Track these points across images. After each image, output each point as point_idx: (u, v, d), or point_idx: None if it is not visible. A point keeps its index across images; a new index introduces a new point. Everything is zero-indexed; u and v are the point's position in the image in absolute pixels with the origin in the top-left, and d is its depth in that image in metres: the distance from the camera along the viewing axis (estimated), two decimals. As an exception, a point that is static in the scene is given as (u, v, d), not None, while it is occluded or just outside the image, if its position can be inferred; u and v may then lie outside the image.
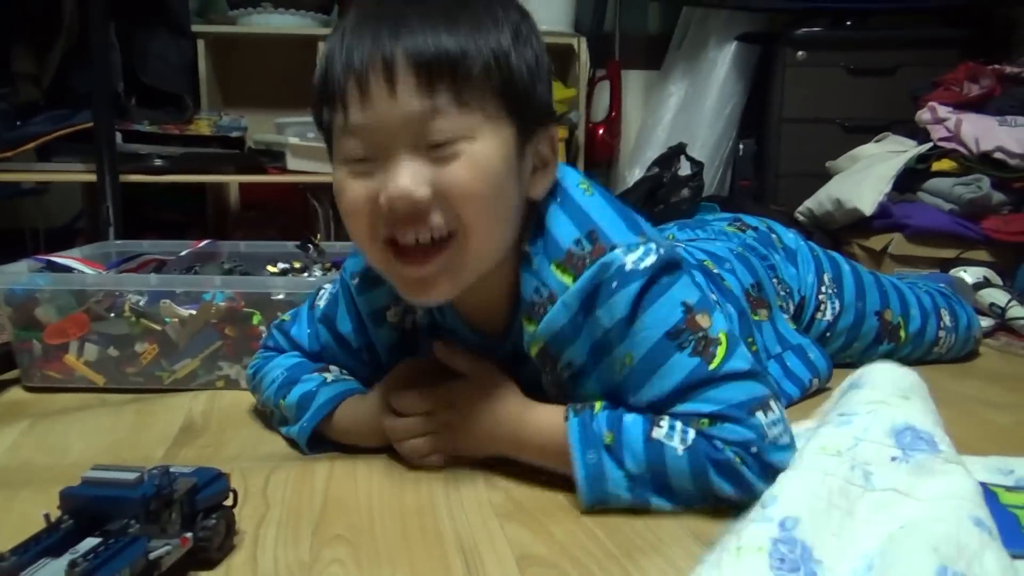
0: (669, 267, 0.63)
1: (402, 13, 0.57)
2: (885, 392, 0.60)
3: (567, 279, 0.62)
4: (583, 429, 0.62)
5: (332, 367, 0.79)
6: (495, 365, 0.69)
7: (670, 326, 0.61)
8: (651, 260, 0.61)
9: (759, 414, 0.59)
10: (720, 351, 0.61)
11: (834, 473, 0.52)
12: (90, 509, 0.50)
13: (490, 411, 0.67)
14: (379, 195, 0.58)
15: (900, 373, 0.63)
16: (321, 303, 0.80)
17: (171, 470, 0.53)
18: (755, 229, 1.02)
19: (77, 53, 1.60)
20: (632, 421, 0.61)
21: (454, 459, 0.69)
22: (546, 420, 0.65)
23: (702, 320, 0.62)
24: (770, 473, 0.56)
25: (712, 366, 0.60)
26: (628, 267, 0.61)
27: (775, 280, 0.95)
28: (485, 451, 0.68)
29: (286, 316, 0.84)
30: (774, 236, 1.02)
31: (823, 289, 0.99)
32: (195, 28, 2.09)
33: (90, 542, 0.47)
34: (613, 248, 0.61)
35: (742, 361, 0.62)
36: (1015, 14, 2.13)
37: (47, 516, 0.49)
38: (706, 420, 0.59)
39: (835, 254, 1.06)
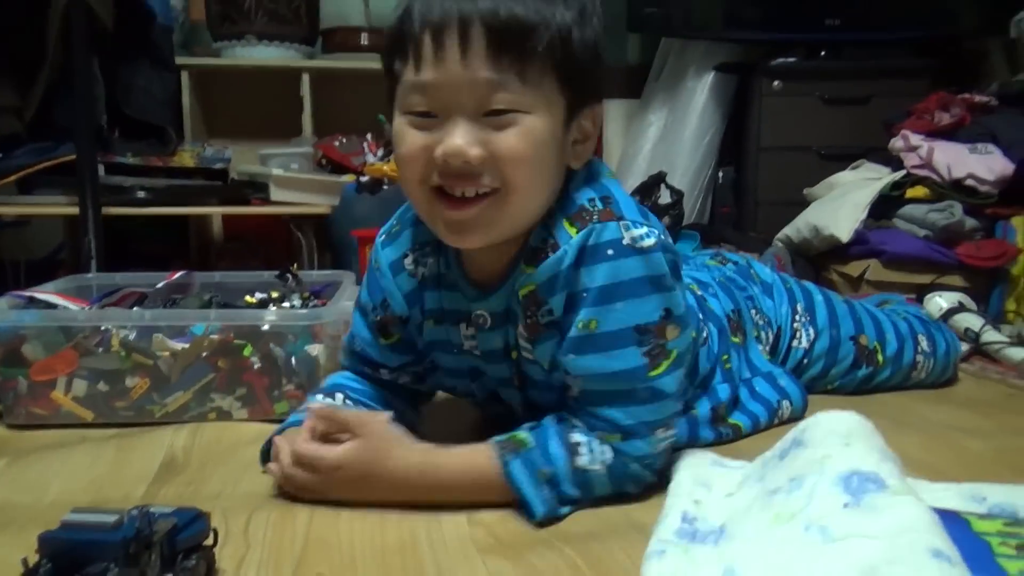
0: (675, 272, 0.69)
1: None
2: (827, 445, 0.62)
3: (572, 231, 0.67)
4: (529, 470, 0.65)
5: (340, 392, 0.80)
6: (383, 419, 0.70)
7: (643, 322, 0.66)
8: (650, 242, 0.66)
9: (659, 432, 0.69)
10: (664, 364, 0.68)
11: (790, 540, 0.54)
12: (69, 553, 0.50)
13: (389, 462, 0.68)
14: (435, 148, 0.63)
15: (837, 420, 0.66)
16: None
17: (151, 511, 0.53)
18: (735, 263, 1.06)
19: (60, 86, 1.61)
20: (556, 450, 0.67)
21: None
22: (469, 462, 0.68)
23: (671, 332, 0.68)
24: (661, 473, 0.71)
25: (651, 373, 0.67)
26: (625, 241, 0.65)
27: (754, 311, 0.98)
28: (389, 499, 0.68)
29: None
30: (752, 271, 1.05)
31: (797, 318, 1.02)
32: (179, 61, 2.10)
33: (70, 587, 0.47)
34: (620, 219, 0.66)
35: (672, 383, 0.69)
36: (983, 45, 2.19)
37: (25, 561, 0.49)
38: (619, 436, 0.67)
39: (808, 285, 1.08)
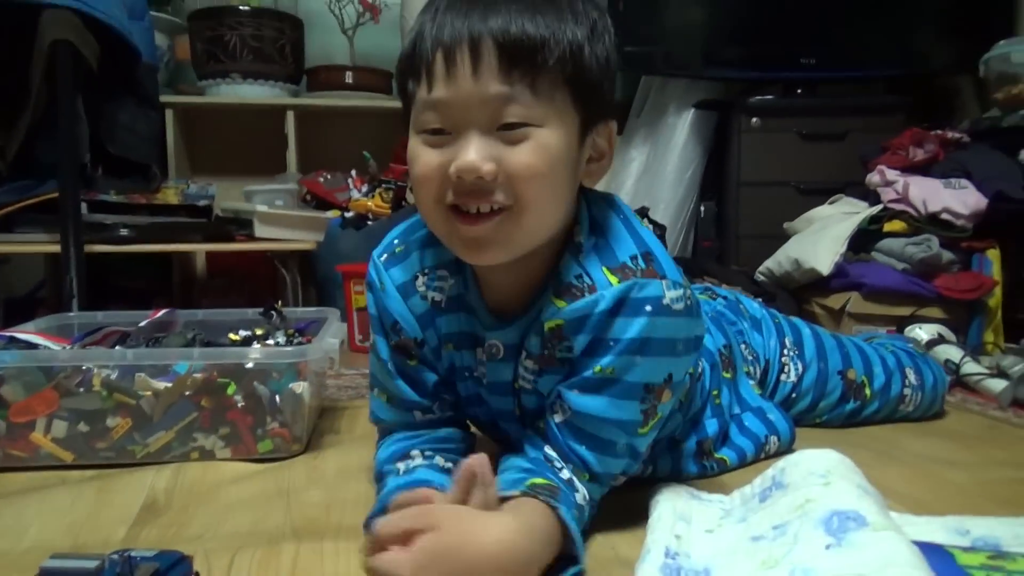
0: (697, 343, 0.71)
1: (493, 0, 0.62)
2: (807, 488, 0.63)
3: (613, 280, 0.67)
4: (570, 512, 0.63)
5: (408, 457, 0.76)
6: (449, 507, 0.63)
7: (651, 382, 0.68)
8: (681, 306, 0.67)
9: (614, 479, 0.72)
10: (651, 424, 0.70)
11: None
12: None
13: (473, 552, 0.57)
14: (450, 165, 0.62)
15: (816, 458, 0.67)
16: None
17: (132, 555, 0.52)
18: (724, 298, 1.07)
19: (43, 124, 1.61)
20: (569, 490, 0.66)
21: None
22: (539, 522, 0.62)
23: (665, 396, 0.69)
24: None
25: (640, 431, 0.69)
26: (665, 301, 0.66)
27: (743, 345, 0.99)
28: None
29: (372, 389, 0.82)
30: (742, 306, 1.06)
31: (785, 352, 1.03)
32: (164, 99, 2.12)
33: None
34: (663, 277, 0.67)
35: (647, 443, 0.72)
36: (954, 83, 2.25)
37: None
38: (587, 476, 0.69)
39: (796, 320, 1.10)
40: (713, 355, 0.91)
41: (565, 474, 0.68)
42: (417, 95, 0.64)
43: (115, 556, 0.51)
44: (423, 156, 0.65)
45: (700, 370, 0.87)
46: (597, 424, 0.68)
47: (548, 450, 0.69)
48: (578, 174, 0.68)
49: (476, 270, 0.74)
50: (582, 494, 0.68)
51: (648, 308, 0.65)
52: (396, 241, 0.78)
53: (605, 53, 0.66)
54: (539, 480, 0.65)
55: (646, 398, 0.68)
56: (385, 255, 0.78)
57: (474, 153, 0.61)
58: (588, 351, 0.68)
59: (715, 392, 0.90)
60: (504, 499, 0.63)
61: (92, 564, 0.50)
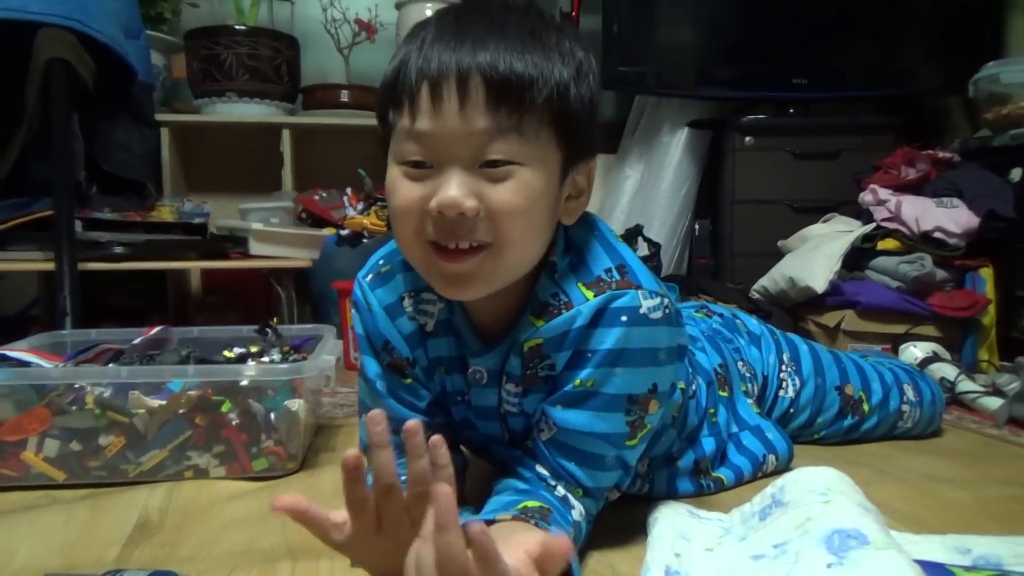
0: (680, 352, 0.71)
1: (482, 34, 0.61)
2: (807, 506, 0.63)
3: (589, 295, 0.67)
4: (574, 538, 0.64)
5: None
6: None
7: (634, 392, 0.67)
8: (658, 315, 0.67)
9: (608, 494, 0.73)
10: (639, 435, 0.70)
11: None
12: None
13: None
14: (430, 199, 0.62)
15: (816, 476, 0.67)
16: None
17: (124, 575, 0.52)
18: (720, 315, 1.07)
19: (38, 142, 1.61)
20: (561, 507, 0.66)
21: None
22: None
23: (652, 406, 0.69)
24: None
25: (627, 442, 0.69)
26: (642, 310, 0.66)
27: (740, 362, 0.99)
28: None
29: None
30: (739, 322, 1.07)
31: (783, 368, 1.03)
32: (160, 117, 2.12)
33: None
34: (638, 287, 0.67)
35: (637, 455, 0.72)
36: (945, 103, 2.27)
37: None
38: (580, 491, 0.69)
39: (794, 337, 1.10)
40: (709, 373, 0.91)
41: (560, 491, 0.68)
42: (398, 124, 0.63)
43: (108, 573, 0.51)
44: (402, 189, 0.63)
45: (695, 387, 0.87)
46: (582, 439, 0.68)
47: (540, 469, 0.69)
48: (557, 212, 0.68)
49: None
50: (578, 511, 0.67)
51: (624, 318, 0.65)
52: (381, 262, 0.78)
53: (589, 93, 0.66)
54: (531, 503, 0.65)
55: (631, 409, 0.67)
56: (370, 275, 0.78)
57: (455, 189, 0.60)
58: (568, 365, 0.68)
59: (711, 410, 0.89)
60: (494, 522, 0.62)
61: None
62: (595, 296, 0.66)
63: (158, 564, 0.68)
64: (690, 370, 0.87)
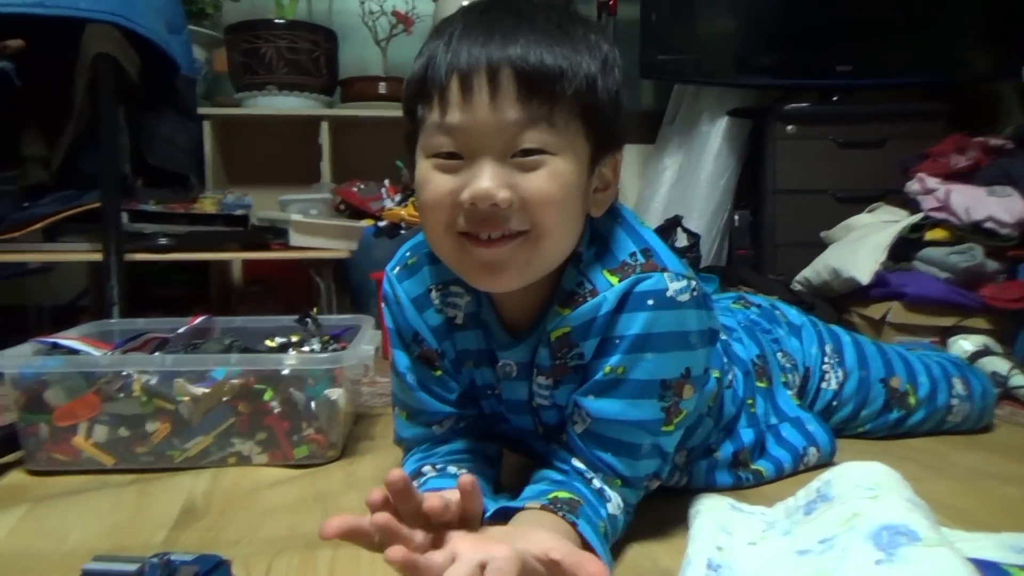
0: (712, 336, 0.70)
1: (510, 28, 0.61)
2: (854, 501, 0.62)
3: (614, 280, 0.67)
4: (594, 529, 0.62)
5: (419, 475, 0.73)
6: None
7: (667, 377, 0.67)
8: (685, 297, 0.66)
9: (648, 483, 0.71)
10: (676, 421, 0.69)
11: None
12: None
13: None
14: (462, 191, 0.62)
15: (863, 471, 0.66)
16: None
17: (171, 559, 0.53)
18: (759, 306, 1.05)
19: (87, 136, 1.64)
20: (595, 500, 0.66)
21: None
22: (560, 531, 0.61)
23: (687, 391, 0.68)
24: None
25: (663, 428, 0.68)
26: (669, 292, 0.65)
27: (780, 353, 0.97)
28: None
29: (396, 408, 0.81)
30: (778, 312, 1.04)
31: (826, 359, 1.01)
32: (202, 110, 2.16)
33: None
34: (664, 269, 0.66)
35: (675, 442, 0.71)
36: (999, 89, 2.20)
37: None
38: (619, 482, 0.68)
39: (837, 328, 1.07)
40: (746, 363, 0.90)
41: (596, 484, 0.67)
42: (428, 119, 0.63)
43: (155, 559, 0.52)
44: (434, 181, 0.63)
45: (731, 377, 0.86)
46: (617, 428, 0.67)
47: (576, 462, 0.69)
48: (587, 203, 0.67)
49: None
50: (615, 503, 0.67)
51: (650, 302, 0.65)
52: (408, 254, 0.78)
53: (615, 86, 0.66)
54: (562, 493, 0.64)
55: (664, 395, 0.67)
56: (398, 268, 0.78)
57: (488, 180, 0.60)
58: (597, 353, 0.67)
59: (750, 400, 0.88)
60: (521, 510, 0.62)
61: (133, 567, 0.50)
62: (620, 281, 0.66)
63: (203, 548, 0.69)
64: (726, 359, 0.86)
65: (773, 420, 0.91)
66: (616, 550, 0.68)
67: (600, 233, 0.70)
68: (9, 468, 0.95)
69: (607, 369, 0.66)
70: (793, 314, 1.05)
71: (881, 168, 2.07)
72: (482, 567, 0.50)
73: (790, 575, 0.59)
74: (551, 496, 0.64)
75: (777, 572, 0.60)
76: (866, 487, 0.63)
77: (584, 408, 0.68)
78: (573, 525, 0.61)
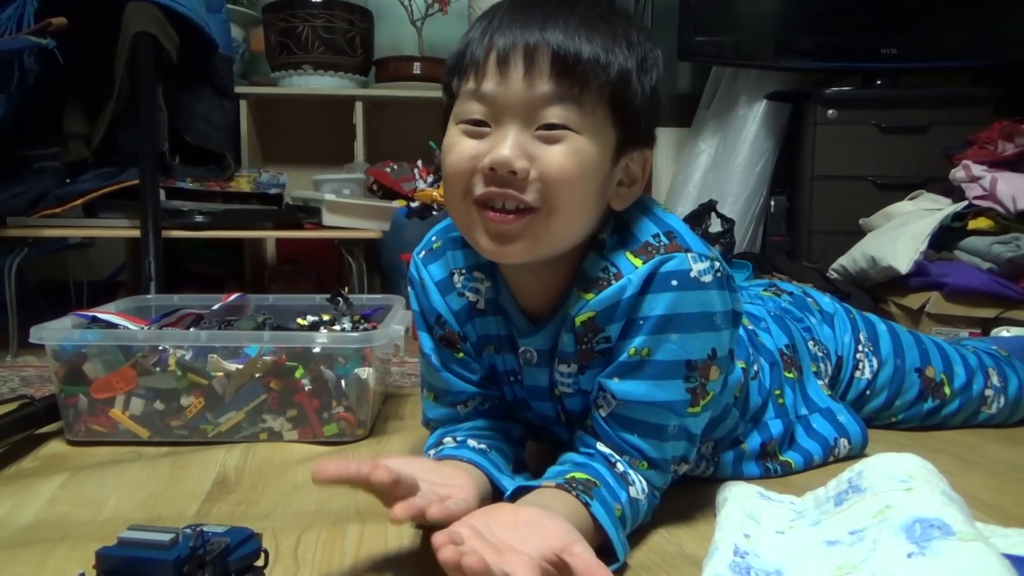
0: (735, 318, 0.69)
1: (553, 10, 0.63)
2: (887, 493, 0.61)
3: (637, 262, 0.66)
4: (608, 511, 0.62)
5: (439, 444, 0.76)
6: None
7: (693, 358, 0.66)
8: (708, 278, 0.66)
9: (676, 467, 0.71)
10: (702, 403, 0.68)
11: None
12: (125, 570, 0.50)
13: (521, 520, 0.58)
14: (484, 157, 0.63)
15: (896, 462, 0.64)
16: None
17: (204, 530, 0.54)
18: (790, 294, 1.04)
19: (126, 115, 1.67)
20: (615, 483, 0.65)
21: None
22: (570, 507, 0.62)
23: (713, 373, 0.68)
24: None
25: (689, 410, 0.68)
26: (692, 273, 0.65)
27: (811, 342, 0.96)
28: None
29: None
30: (810, 300, 1.03)
31: (860, 348, 0.99)
32: (238, 89, 2.17)
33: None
34: (688, 250, 0.66)
35: (701, 423, 0.70)
36: (1049, 73, 2.13)
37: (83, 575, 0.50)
38: (645, 464, 0.68)
39: (871, 316, 1.05)
40: (772, 354, 0.89)
41: (620, 468, 0.67)
42: (463, 89, 0.66)
43: (188, 530, 0.53)
44: (459, 145, 0.65)
45: (756, 368, 0.85)
46: (642, 409, 0.67)
47: (601, 446, 0.69)
48: (607, 192, 0.67)
49: (505, 273, 0.73)
50: (638, 487, 0.66)
51: (674, 283, 0.65)
52: (434, 238, 0.79)
53: (651, 84, 0.66)
54: (580, 475, 0.65)
55: (690, 376, 0.66)
56: (424, 252, 0.79)
57: (509, 149, 0.62)
58: (622, 335, 0.67)
59: (777, 391, 0.87)
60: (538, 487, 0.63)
61: (167, 537, 0.51)
62: (644, 263, 0.66)
63: (235, 520, 0.70)
64: (751, 350, 0.85)
65: (803, 411, 0.90)
66: (641, 534, 0.68)
67: (623, 220, 0.70)
68: (49, 438, 0.97)
69: (631, 351, 0.66)
70: (826, 302, 1.04)
71: (924, 154, 2.02)
72: None
73: (818, 565, 0.58)
74: (568, 476, 0.64)
75: (805, 562, 0.60)
76: (900, 479, 0.62)
77: (609, 390, 0.68)
78: (587, 506, 0.61)
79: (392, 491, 0.58)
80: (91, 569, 0.51)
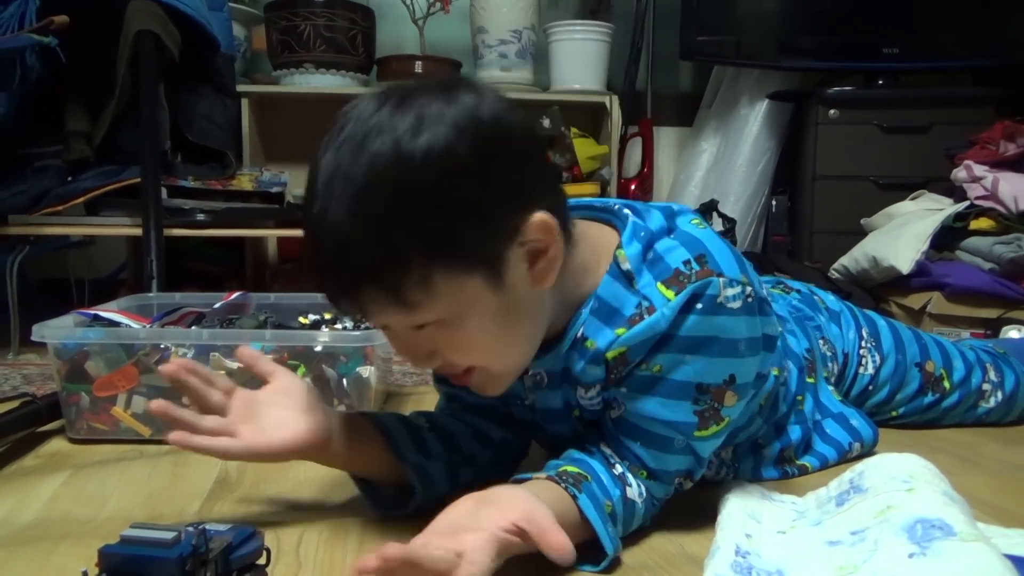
0: (768, 343, 0.69)
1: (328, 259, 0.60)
2: (888, 494, 0.61)
3: (669, 294, 0.63)
4: (596, 505, 0.62)
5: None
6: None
7: (705, 382, 0.65)
8: (737, 304, 0.64)
9: (681, 481, 0.69)
10: (713, 428, 0.66)
11: None
12: (127, 568, 0.50)
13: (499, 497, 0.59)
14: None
15: (898, 462, 0.64)
16: None
17: (206, 528, 0.54)
18: (798, 292, 1.03)
19: (127, 113, 1.67)
20: (609, 481, 0.65)
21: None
22: (554, 495, 0.62)
23: (728, 399, 0.66)
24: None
25: (696, 433, 0.66)
26: (719, 299, 0.63)
27: (821, 340, 0.96)
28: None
29: None
30: (816, 298, 1.03)
31: (863, 344, 1.00)
32: (240, 88, 2.17)
33: (130, 602, 0.48)
34: (719, 275, 0.64)
35: (711, 447, 0.68)
36: (1051, 73, 2.13)
37: (85, 573, 0.50)
38: (645, 472, 0.67)
39: (872, 313, 1.06)
40: (799, 358, 0.88)
41: (618, 469, 0.67)
42: None
43: (191, 528, 0.53)
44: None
45: (787, 373, 0.83)
46: (649, 423, 0.66)
47: (603, 447, 0.69)
48: (522, 296, 0.62)
49: None
50: (636, 490, 0.66)
51: (699, 306, 0.63)
52: None
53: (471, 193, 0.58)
54: (572, 468, 0.65)
55: (700, 399, 0.65)
56: None
57: (415, 357, 0.64)
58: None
59: (799, 397, 0.86)
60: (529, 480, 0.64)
61: (170, 535, 0.51)
62: (676, 295, 0.63)
63: (237, 519, 0.70)
64: (783, 355, 0.83)
65: (817, 416, 0.89)
66: (642, 534, 0.68)
67: (651, 238, 0.66)
68: (51, 436, 0.97)
69: (643, 366, 0.65)
70: (831, 299, 1.04)
71: (926, 154, 2.02)
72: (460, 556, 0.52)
73: (819, 565, 0.58)
74: (560, 469, 0.64)
75: (806, 562, 0.60)
76: (901, 479, 0.62)
77: (620, 398, 0.67)
78: (574, 498, 0.61)
79: None
80: (94, 567, 0.51)
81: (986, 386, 1.04)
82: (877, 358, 0.99)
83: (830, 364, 0.95)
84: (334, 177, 0.58)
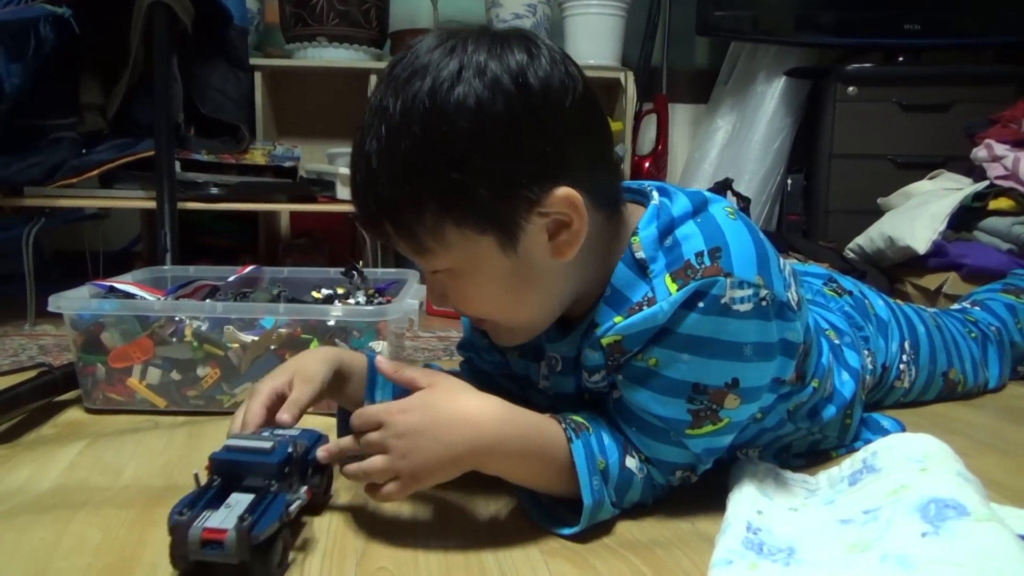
0: (786, 348, 0.66)
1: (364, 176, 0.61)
2: (902, 473, 0.61)
3: (673, 288, 0.61)
4: (588, 454, 0.62)
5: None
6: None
7: (703, 382, 0.63)
8: (746, 307, 0.61)
9: (678, 472, 0.68)
10: (708, 428, 0.64)
11: (866, 570, 0.52)
12: (235, 470, 0.59)
13: (460, 404, 0.61)
14: None
15: (912, 442, 0.65)
16: None
17: (288, 434, 0.63)
18: (850, 294, 0.99)
19: (141, 86, 1.67)
20: (610, 443, 0.65)
21: (498, 496, 0.69)
22: (543, 421, 0.63)
23: (730, 401, 0.64)
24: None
25: (689, 431, 0.64)
26: (724, 300, 0.60)
27: (866, 351, 0.93)
28: (451, 456, 0.59)
29: None
30: (867, 302, 0.99)
31: (904, 358, 0.99)
32: (253, 61, 2.16)
33: (238, 497, 0.56)
34: (728, 275, 0.61)
35: (704, 446, 0.66)
36: (1076, 51, 2.09)
37: (196, 477, 0.59)
38: (641, 457, 0.66)
39: (911, 313, 1.04)
40: (858, 373, 0.84)
41: (623, 439, 0.67)
42: None
43: (280, 437, 0.62)
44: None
45: (831, 386, 0.79)
46: (643, 412, 0.65)
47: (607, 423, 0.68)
48: (538, 265, 0.62)
49: None
50: (636, 463, 0.65)
51: (701, 305, 0.61)
52: None
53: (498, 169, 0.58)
54: (579, 418, 0.65)
55: (695, 398, 0.63)
56: None
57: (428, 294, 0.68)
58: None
59: (848, 410, 0.82)
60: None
61: (268, 444, 0.59)
62: (679, 289, 0.60)
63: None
64: (833, 367, 0.80)
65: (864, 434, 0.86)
66: (654, 512, 0.68)
67: (670, 225, 0.65)
68: (68, 406, 0.99)
69: (639, 357, 0.63)
70: (880, 306, 1.00)
71: (945, 133, 2.00)
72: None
73: (831, 543, 0.58)
74: (570, 416, 0.65)
75: (818, 539, 0.60)
76: (915, 459, 0.62)
77: (618, 385, 0.67)
78: (569, 441, 0.62)
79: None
80: (204, 471, 0.59)
81: (981, 381, 1.09)
82: (914, 371, 1.00)
83: (868, 377, 0.93)
84: (379, 108, 0.59)
